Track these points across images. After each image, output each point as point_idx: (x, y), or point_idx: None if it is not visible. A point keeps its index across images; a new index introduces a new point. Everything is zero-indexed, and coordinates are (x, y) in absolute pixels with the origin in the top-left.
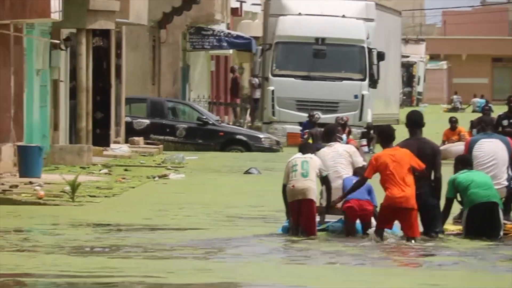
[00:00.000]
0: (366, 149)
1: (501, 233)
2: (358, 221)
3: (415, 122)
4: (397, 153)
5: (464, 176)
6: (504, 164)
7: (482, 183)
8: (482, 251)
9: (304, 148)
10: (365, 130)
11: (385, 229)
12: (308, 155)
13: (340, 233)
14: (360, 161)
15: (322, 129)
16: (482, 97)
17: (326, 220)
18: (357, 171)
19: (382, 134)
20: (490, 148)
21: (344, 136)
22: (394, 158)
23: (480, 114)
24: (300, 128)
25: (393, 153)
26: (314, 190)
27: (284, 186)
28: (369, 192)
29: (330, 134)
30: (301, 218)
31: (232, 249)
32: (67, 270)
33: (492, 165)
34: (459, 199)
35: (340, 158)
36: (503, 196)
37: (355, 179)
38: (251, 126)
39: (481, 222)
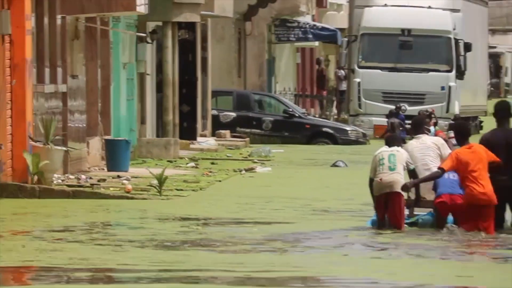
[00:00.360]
0: (454, 141)
1: None
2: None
3: (503, 112)
4: (475, 149)
5: None
6: None
7: None
8: None
9: (391, 141)
10: (453, 121)
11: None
12: (395, 148)
13: (431, 226)
14: (448, 153)
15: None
16: None
17: (415, 213)
18: None
19: (458, 131)
20: None
21: (432, 128)
22: (473, 156)
23: None
24: (387, 120)
25: (472, 151)
26: (401, 183)
27: (371, 180)
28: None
29: (418, 126)
30: (388, 211)
31: (318, 242)
32: (155, 264)
33: None
34: None
35: (428, 150)
36: None
37: (449, 172)
38: (337, 118)
39: None
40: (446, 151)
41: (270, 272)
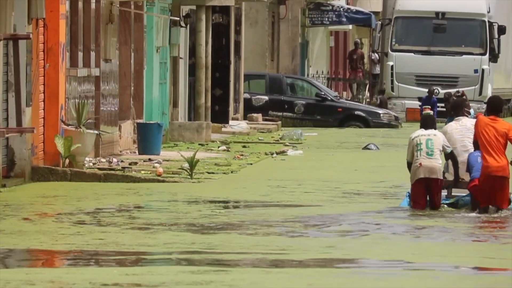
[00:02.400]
0: None
1: None
2: None
3: None
4: (498, 123)
5: None
6: None
7: None
8: None
9: (426, 123)
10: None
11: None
12: (432, 132)
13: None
14: None
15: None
16: None
17: (453, 194)
18: None
19: (489, 103)
20: None
21: (472, 111)
22: (493, 126)
23: None
24: (419, 103)
25: (494, 123)
26: (440, 169)
27: (409, 163)
28: None
29: (458, 108)
30: (427, 195)
31: (350, 224)
32: (186, 246)
33: None
34: None
35: (468, 132)
36: None
37: (479, 154)
38: (370, 101)
39: None
40: None
41: (297, 254)
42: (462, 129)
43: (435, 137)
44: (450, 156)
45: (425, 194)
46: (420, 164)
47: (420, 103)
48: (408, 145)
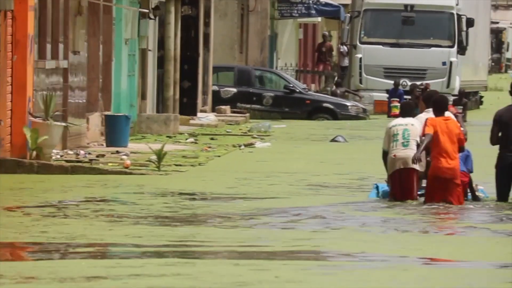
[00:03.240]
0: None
1: None
2: None
3: None
4: (450, 122)
5: None
6: None
7: None
8: None
9: (405, 111)
10: (457, 96)
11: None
12: (410, 121)
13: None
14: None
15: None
16: None
17: (423, 185)
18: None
19: (435, 104)
20: None
21: None
22: (447, 129)
23: None
24: (387, 96)
25: (446, 122)
26: None
27: (385, 152)
28: (466, 158)
29: (429, 100)
30: (402, 187)
31: (317, 217)
32: (154, 239)
33: None
34: None
35: None
36: None
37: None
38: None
39: None
40: None
41: (265, 246)
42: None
43: (412, 127)
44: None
45: (401, 185)
46: (395, 155)
47: (387, 96)
48: (385, 134)
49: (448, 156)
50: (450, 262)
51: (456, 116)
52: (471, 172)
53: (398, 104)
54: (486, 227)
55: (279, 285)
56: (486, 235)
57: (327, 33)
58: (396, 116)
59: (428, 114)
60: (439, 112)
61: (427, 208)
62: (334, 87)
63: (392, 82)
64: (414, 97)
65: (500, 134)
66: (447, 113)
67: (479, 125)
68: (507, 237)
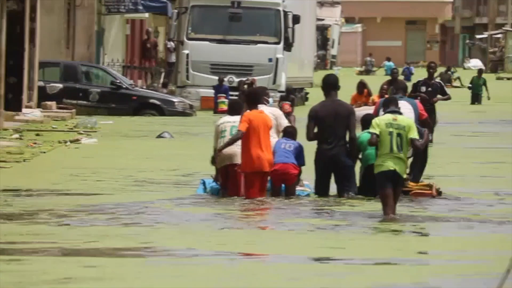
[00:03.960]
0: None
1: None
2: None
3: (330, 84)
4: (265, 116)
5: (365, 135)
6: None
7: None
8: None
9: (233, 108)
10: (284, 93)
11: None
12: (238, 119)
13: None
14: (285, 123)
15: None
16: (389, 60)
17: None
18: (286, 130)
19: (249, 97)
20: None
21: (271, 100)
22: (262, 122)
23: (389, 77)
24: (214, 92)
25: (262, 117)
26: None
27: (215, 149)
28: (299, 152)
29: (256, 97)
30: (228, 181)
31: (141, 213)
32: None
33: None
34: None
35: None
36: (409, 155)
37: (285, 142)
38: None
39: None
40: (283, 121)
41: (92, 243)
42: None
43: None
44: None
45: (228, 181)
46: (222, 152)
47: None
48: (214, 132)
49: (266, 149)
50: (267, 256)
51: (289, 114)
52: (303, 165)
53: (226, 100)
54: (305, 221)
55: (104, 282)
56: (305, 229)
57: (151, 29)
58: (223, 112)
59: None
60: (252, 105)
61: (249, 203)
62: (161, 86)
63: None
64: (241, 93)
65: (316, 129)
66: (274, 109)
67: (304, 121)
68: (324, 231)
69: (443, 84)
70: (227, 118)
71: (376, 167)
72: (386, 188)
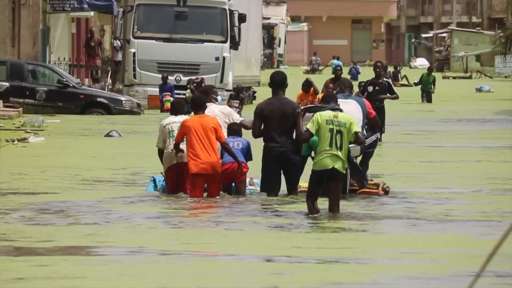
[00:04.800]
0: (236, 110)
1: (347, 190)
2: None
3: (278, 82)
4: (205, 120)
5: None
6: (358, 124)
7: None
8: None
9: (176, 109)
10: (233, 92)
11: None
12: (183, 118)
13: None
14: (237, 118)
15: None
16: (337, 58)
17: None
18: (231, 128)
19: (193, 102)
20: (343, 108)
21: (219, 98)
22: (202, 125)
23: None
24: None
25: (202, 121)
26: None
27: (160, 150)
28: (247, 149)
29: (205, 94)
30: (180, 179)
31: (89, 212)
32: None
33: None
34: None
35: (218, 118)
36: (357, 154)
37: (233, 141)
38: (112, 88)
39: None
40: (235, 116)
41: (41, 242)
42: (210, 115)
43: None
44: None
45: (177, 179)
46: (172, 150)
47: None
48: (160, 132)
49: (211, 152)
50: (217, 255)
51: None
52: (251, 160)
53: (171, 99)
54: (252, 220)
55: (55, 281)
56: (254, 228)
57: (94, 28)
58: (169, 110)
59: (207, 109)
60: (196, 109)
61: (198, 201)
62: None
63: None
64: (191, 91)
65: (262, 127)
66: (224, 107)
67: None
68: (272, 230)
69: (391, 83)
70: (172, 118)
71: (314, 164)
72: (316, 187)
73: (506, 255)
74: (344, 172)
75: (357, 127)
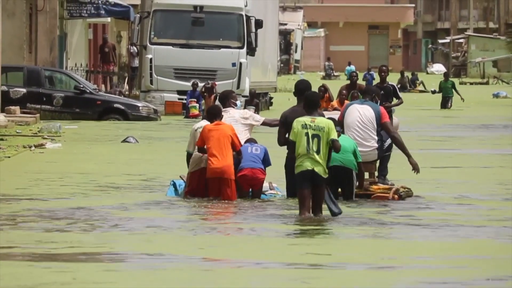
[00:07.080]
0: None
1: (353, 196)
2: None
3: (302, 90)
4: (221, 127)
5: None
6: (373, 128)
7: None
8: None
9: (212, 115)
10: (248, 97)
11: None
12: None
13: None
14: (259, 118)
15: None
16: (349, 64)
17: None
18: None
19: (208, 112)
20: (357, 113)
21: (238, 102)
22: (219, 132)
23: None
24: (178, 96)
25: (218, 128)
26: None
27: (189, 154)
28: (264, 155)
29: (224, 99)
30: (200, 184)
31: (106, 218)
32: None
33: (358, 129)
34: None
35: (237, 124)
36: (375, 158)
37: (251, 146)
38: (129, 94)
39: (335, 183)
40: (256, 118)
41: (60, 248)
42: (231, 121)
43: None
44: None
45: (198, 184)
46: (203, 155)
47: (179, 97)
48: (191, 136)
49: (225, 157)
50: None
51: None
52: (270, 165)
53: (197, 105)
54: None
55: (76, 286)
56: (275, 234)
57: (107, 36)
58: (194, 116)
59: (227, 113)
60: (212, 119)
61: (218, 207)
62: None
63: (182, 83)
64: (202, 97)
65: (287, 135)
66: (245, 111)
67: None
68: (294, 237)
69: (396, 87)
70: (203, 122)
71: (295, 167)
72: (303, 189)
73: None
74: (325, 176)
75: (334, 133)
